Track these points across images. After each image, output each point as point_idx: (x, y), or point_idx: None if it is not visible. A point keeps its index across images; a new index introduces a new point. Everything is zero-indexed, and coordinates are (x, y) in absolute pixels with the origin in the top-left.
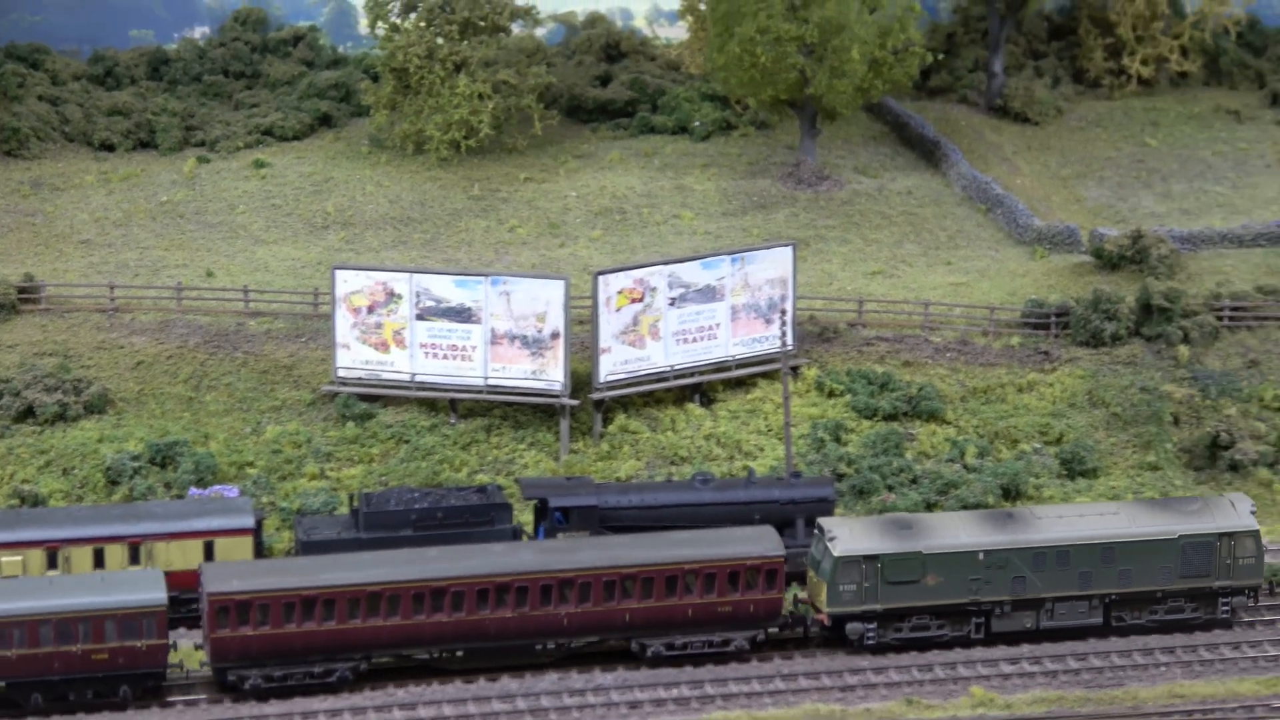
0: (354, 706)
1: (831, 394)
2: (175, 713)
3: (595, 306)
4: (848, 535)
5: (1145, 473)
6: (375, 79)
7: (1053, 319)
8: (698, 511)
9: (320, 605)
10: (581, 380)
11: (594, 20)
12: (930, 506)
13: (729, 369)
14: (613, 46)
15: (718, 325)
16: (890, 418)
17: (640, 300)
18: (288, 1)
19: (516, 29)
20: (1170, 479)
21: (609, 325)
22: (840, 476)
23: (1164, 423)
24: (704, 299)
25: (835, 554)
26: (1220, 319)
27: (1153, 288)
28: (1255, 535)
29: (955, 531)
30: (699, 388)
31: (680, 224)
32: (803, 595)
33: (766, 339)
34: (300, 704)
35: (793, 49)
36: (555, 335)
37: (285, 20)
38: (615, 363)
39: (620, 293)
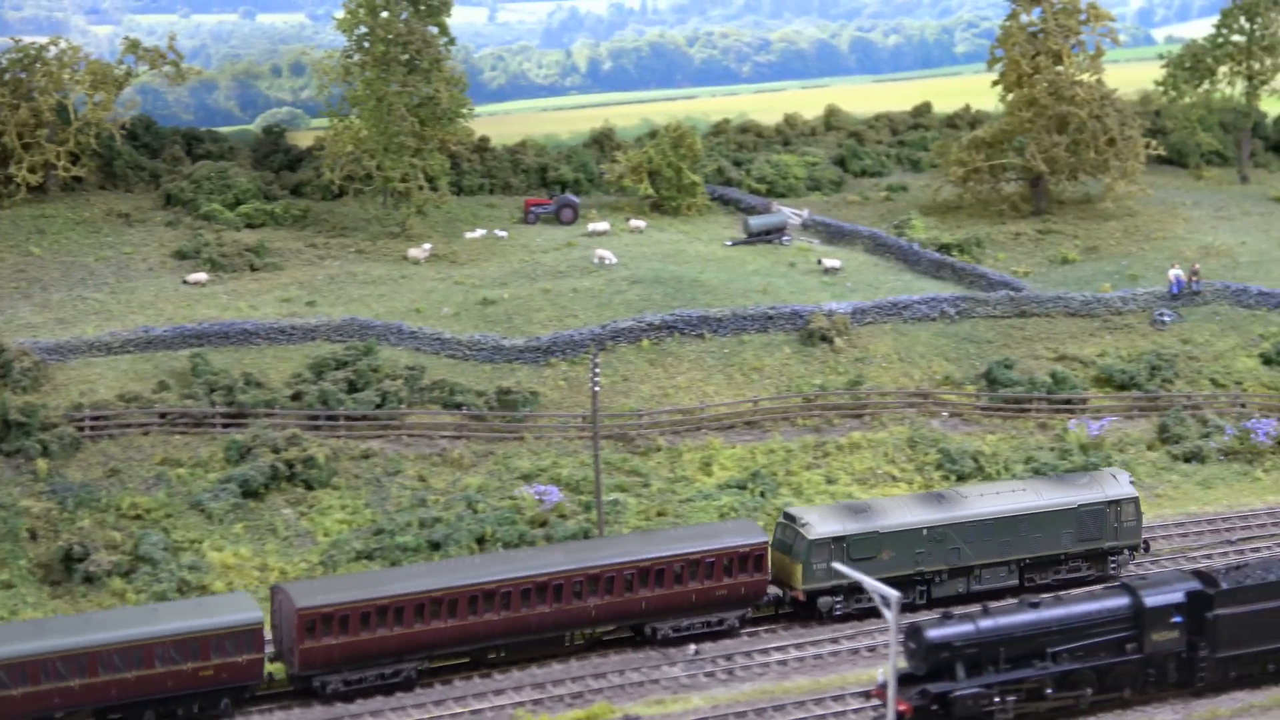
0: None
1: None
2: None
3: None
4: (818, 520)
5: (1, 592)
6: None
7: None
8: None
9: (392, 613)
10: None
11: None
12: None
13: None
14: None
15: None
16: None
17: None
18: None
19: None
20: (23, 597)
21: None
22: None
23: (20, 539)
24: None
25: (809, 537)
26: (82, 429)
27: (10, 402)
28: (1135, 501)
29: (903, 512)
30: None
31: None
32: None
33: None
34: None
35: None
36: None
37: None
38: None
39: None
